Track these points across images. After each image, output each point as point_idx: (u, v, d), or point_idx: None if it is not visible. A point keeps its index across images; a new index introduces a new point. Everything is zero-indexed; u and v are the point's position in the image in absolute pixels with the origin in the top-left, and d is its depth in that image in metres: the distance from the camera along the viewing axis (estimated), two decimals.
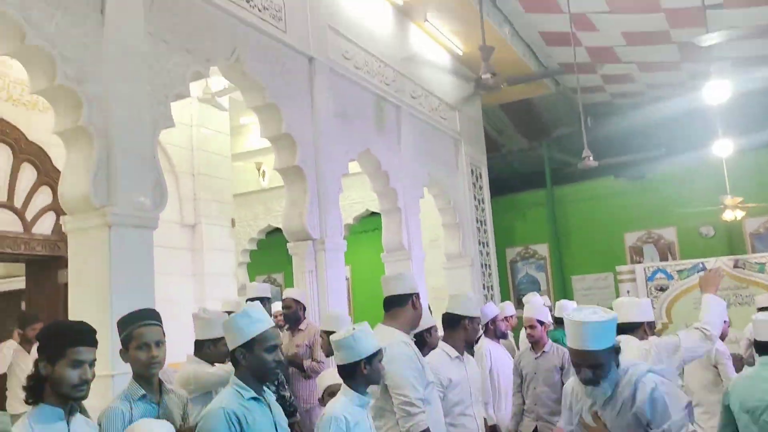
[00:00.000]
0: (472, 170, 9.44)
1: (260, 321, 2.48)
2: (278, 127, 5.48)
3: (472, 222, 9.15)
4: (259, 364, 2.44)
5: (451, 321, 3.63)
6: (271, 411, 2.51)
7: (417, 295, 3.31)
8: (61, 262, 5.71)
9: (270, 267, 12.28)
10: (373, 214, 9.71)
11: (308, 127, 5.77)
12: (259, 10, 5.22)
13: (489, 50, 3.90)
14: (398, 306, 3.27)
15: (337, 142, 6.14)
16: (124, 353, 2.59)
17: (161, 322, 2.65)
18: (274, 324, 2.56)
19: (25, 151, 5.56)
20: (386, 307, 3.30)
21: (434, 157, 8.33)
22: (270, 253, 11.04)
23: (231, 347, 2.48)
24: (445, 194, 8.61)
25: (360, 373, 2.69)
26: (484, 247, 9.47)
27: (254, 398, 2.45)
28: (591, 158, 7.39)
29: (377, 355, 2.73)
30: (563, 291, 11.78)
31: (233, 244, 7.96)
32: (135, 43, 4.06)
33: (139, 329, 2.56)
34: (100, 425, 2.41)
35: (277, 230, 10.74)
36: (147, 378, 2.56)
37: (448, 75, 9.02)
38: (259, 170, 10.46)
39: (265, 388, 2.54)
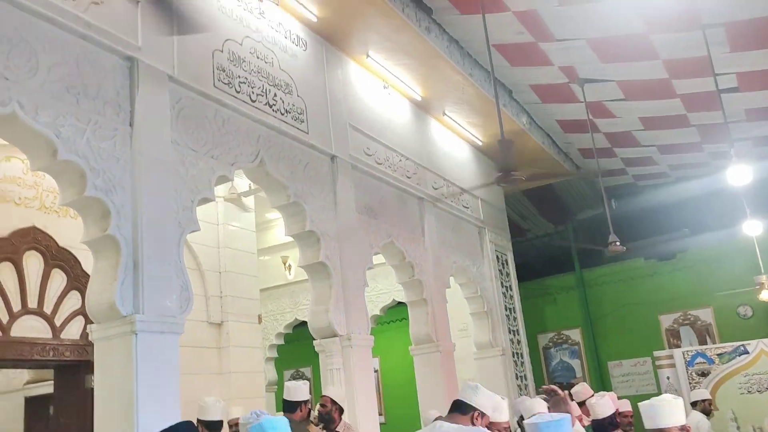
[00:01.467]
0: (497, 257, 9.38)
1: None
2: (302, 225, 5.55)
3: (501, 309, 9.01)
4: None
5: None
6: None
7: (480, 414, 3.24)
8: (89, 366, 5.70)
9: (298, 361, 12.15)
10: (400, 303, 9.62)
11: (332, 223, 5.83)
12: (282, 114, 5.40)
13: (508, 145, 3.94)
14: (459, 412, 3.24)
15: (361, 236, 6.18)
16: None
17: None
18: None
19: (56, 257, 5.67)
20: (451, 408, 3.30)
21: (459, 245, 8.32)
22: (297, 346, 10.94)
23: None
24: (472, 283, 8.53)
25: None
26: (515, 335, 9.27)
27: None
28: (617, 243, 7.31)
29: None
30: (600, 378, 11.39)
31: (260, 340, 7.91)
32: (161, 151, 4.20)
33: None
34: None
35: (304, 323, 10.69)
36: None
37: (468, 165, 9.14)
38: (284, 264, 10.51)
39: None
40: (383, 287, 9.75)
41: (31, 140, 3.64)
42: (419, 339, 7.15)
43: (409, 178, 7.33)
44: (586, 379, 11.24)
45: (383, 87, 7.23)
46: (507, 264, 9.69)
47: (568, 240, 12.39)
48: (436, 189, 7.93)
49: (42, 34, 3.66)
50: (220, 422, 5.36)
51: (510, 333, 9.09)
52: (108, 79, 4.00)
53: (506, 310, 9.18)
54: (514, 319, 9.41)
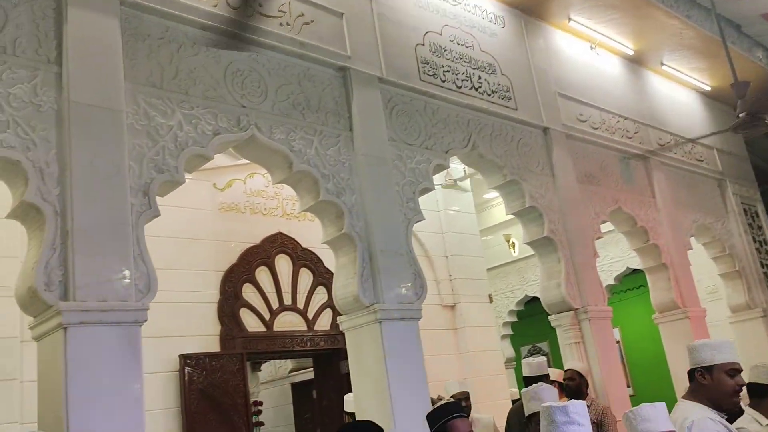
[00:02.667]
0: (745, 210, 8.42)
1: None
2: (522, 202, 5.51)
3: (757, 267, 8.08)
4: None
5: (759, 391, 3.25)
6: None
7: (706, 368, 2.83)
8: (341, 353, 6.23)
9: (534, 337, 12.02)
10: (636, 270, 9.10)
11: (552, 196, 5.70)
12: (488, 95, 5.40)
13: (743, 87, 3.51)
14: (691, 380, 2.91)
15: (585, 205, 5.96)
16: None
17: (467, 414, 2.87)
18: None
19: (301, 257, 6.28)
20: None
21: (696, 203, 7.63)
22: (531, 322, 10.85)
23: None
24: (717, 241, 7.78)
25: None
26: None
27: None
28: None
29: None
30: None
31: (493, 318, 7.99)
32: (381, 150, 4.45)
33: (453, 421, 2.80)
34: None
35: (535, 299, 10.58)
36: None
37: (697, 114, 8.33)
38: (508, 242, 10.50)
39: None
40: (615, 255, 9.30)
41: (270, 157, 4.07)
42: (663, 306, 6.71)
43: (630, 138, 6.90)
44: None
45: (590, 48, 6.88)
46: (757, 216, 8.66)
47: None
48: (662, 145, 7.35)
49: (266, 60, 4.08)
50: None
51: None
52: (326, 91, 4.33)
53: (763, 267, 8.22)
54: None
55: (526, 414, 3.19)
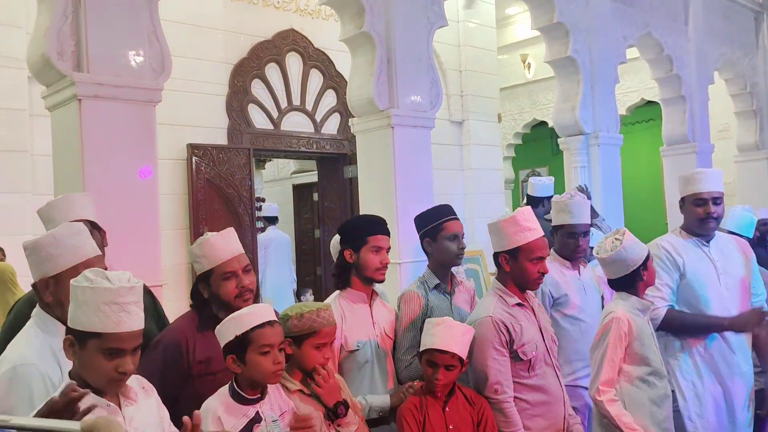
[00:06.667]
0: None
1: (530, 230, 2.40)
2: (550, 17, 5.22)
3: None
4: (522, 274, 2.40)
5: None
6: (535, 316, 2.47)
7: (682, 198, 2.99)
8: (346, 159, 6.28)
9: (534, 162, 12.12)
10: (649, 103, 8.93)
11: (582, 13, 5.39)
12: None
13: None
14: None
15: (614, 27, 5.67)
16: (431, 244, 2.73)
17: None
18: (542, 234, 2.48)
19: (313, 57, 6.07)
20: None
21: (729, 35, 7.27)
22: (534, 146, 10.86)
23: (496, 250, 2.45)
24: (740, 78, 7.54)
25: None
26: None
27: (518, 304, 2.42)
28: None
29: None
30: None
31: (499, 138, 7.96)
32: None
33: (449, 222, 2.72)
34: (399, 305, 2.66)
35: (542, 123, 10.49)
36: (448, 267, 2.72)
37: None
38: (524, 62, 10.16)
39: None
40: (631, 85, 9.07)
41: None
42: (673, 139, 6.66)
43: None
44: None
45: None
46: None
47: None
48: None
49: None
50: None
51: None
52: None
53: None
54: None
55: (554, 224, 3.18)
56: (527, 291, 2.50)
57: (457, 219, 2.76)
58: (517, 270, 2.40)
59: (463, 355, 2.28)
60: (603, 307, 2.98)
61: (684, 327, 2.83)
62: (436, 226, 2.72)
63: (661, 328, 2.79)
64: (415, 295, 2.63)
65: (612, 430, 2.44)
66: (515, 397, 2.32)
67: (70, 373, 1.53)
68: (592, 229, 3.36)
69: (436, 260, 2.72)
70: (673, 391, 2.70)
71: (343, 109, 5.95)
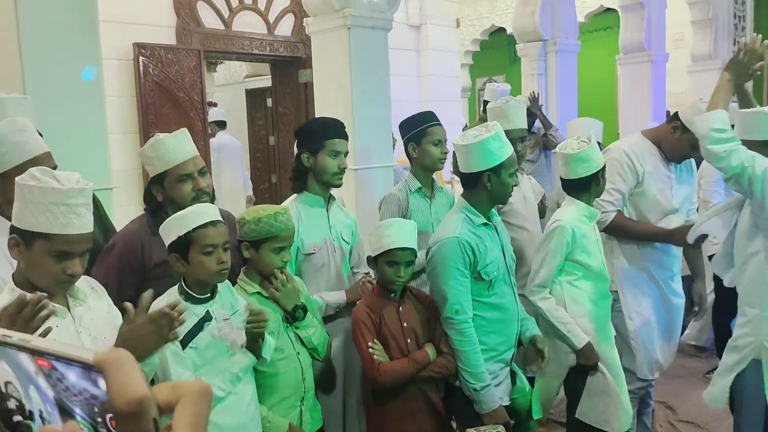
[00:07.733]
0: None
1: (507, 144, 2.37)
2: None
3: (729, 18, 7.95)
4: (501, 190, 2.38)
5: None
6: (498, 235, 2.49)
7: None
8: (300, 62, 6.09)
9: (491, 69, 12.01)
10: (608, 10, 8.84)
11: None
12: None
13: None
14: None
15: None
16: (415, 148, 2.77)
17: None
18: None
19: None
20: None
21: None
22: (492, 54, 10.72)
23: (476, 169, 2.36)
24: None
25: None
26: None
27: (484, 224, 2.42)
28: None
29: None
30: None
31: (457, 45, 7.83)
32: None
33: (433, 127, 2.76)
34: (380, 208, 2.71)
35: (500, 30, 10.31)
36: (431, 172, 2.77)
37: None
38: None
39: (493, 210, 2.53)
40: None
41: None
42: (629, 47, 6.64)
43: None
44: None
45: None
46: None
47: None
48: None
49: None
50: None
51: (734, 45, 8.12)
52: None
53: (735, 18, 8.09)
54: (743, 29, 8.30)
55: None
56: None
57: (441, 125, 2.82)
58: (498, 186, 2.37)
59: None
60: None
61: (628, 234, 2.92)
62: (420, 131, 2.78)
63: (606, 231, 2.89)
64: (395, 197, 2.72)
65: (552, 328, 2.55)
66: (474, 314, 2.38)
67: (13, 275, 1.50)
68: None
69: (419, 164, 2.78)
70: (615, 291, 2.83)
71: (297, 9, 5.72)
